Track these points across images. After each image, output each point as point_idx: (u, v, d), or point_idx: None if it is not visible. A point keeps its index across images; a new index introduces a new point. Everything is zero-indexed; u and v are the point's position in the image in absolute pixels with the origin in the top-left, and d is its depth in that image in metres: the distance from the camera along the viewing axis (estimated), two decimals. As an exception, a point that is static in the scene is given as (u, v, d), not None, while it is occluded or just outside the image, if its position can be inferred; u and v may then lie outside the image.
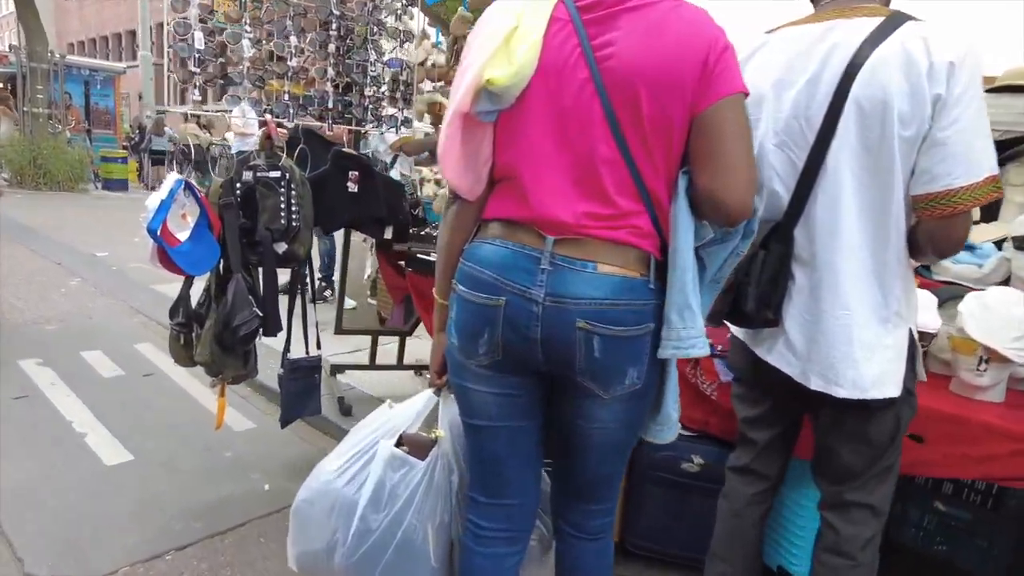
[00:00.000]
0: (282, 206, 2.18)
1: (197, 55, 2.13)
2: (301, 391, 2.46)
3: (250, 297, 2.11)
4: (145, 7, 14.57)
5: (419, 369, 3.28)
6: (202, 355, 2.10)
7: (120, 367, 3.23)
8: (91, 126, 14.15)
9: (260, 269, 2.26)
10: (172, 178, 2.05)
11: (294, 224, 2.20)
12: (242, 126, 4.73)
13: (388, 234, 2.60)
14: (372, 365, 3.10)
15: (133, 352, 3.46)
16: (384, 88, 2.54)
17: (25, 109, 11.20)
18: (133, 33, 23.92)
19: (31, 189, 10.85)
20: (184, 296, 2.15)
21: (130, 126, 17.47)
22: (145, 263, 5.11)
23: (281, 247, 2.20)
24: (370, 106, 2.52)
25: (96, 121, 14.40)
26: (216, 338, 2.10)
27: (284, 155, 2.28)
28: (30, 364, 3.15)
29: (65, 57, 12.55)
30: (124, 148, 15.17)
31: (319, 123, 2.54)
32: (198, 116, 12.35)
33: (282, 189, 2.18)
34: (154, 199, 2.01)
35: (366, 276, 2.67)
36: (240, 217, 2.13)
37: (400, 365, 3.18)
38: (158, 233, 1.94)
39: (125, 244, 6.38)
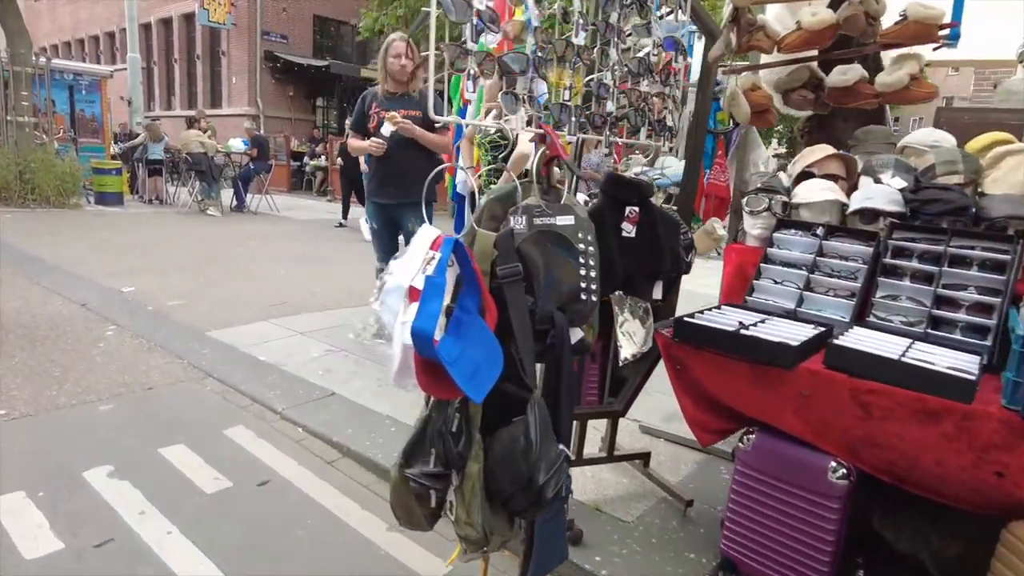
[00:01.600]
0: (580, 272, 1.34)
1: (477, 23, 1.28)
2: (553, 531, 1.62)
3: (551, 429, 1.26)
4: (133, 5, 13.43)
5: (626, 458, 2.45)
6: (470, 528, 1.26)
7: (220, 472, 2.35)
8: (77, 135, 13.02)
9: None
10: (428, 235, 1.19)
11: (593, 299, 1.36)
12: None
13: (657, 292, 1.77)
14: (579, 460, 2.26)
15: (226, 444, 2.58)
16: (656, 80, 1.71)
17: (8, 118, 10.10)
18: (112, 35, 22.59)
19: (18, 206, 9.78)
20: (441, 433, 1.28)
21: (115, 133, 16.29)
22: (181, 299, 4.19)
23: (575, 335, 1.36)
24: (644, 106, 1.68)
25: (82, 129, 13.25)
26: (498, 498, 1.25)
27: (566, 189, 1.43)
28: (99, 476, 2.25)
29: (51, 60, 11.43)
30: (113, 158, 14.07)
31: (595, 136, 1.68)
32: (198, 121, 11.34)
33: (580, 246, 1.34)
34: (405, 271, 1.16)
35: (628, 354, 1.83)
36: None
37: (611, 457, 2.35)
38: (433, 339, 1.08)
39: (148, 274, 5.45)
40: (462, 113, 4.28)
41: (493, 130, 3.48)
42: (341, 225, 9.69)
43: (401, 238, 3.97)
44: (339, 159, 10.09)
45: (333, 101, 18.61)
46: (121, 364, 3.34)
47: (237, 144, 11.38)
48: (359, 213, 9.18)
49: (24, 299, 4.46)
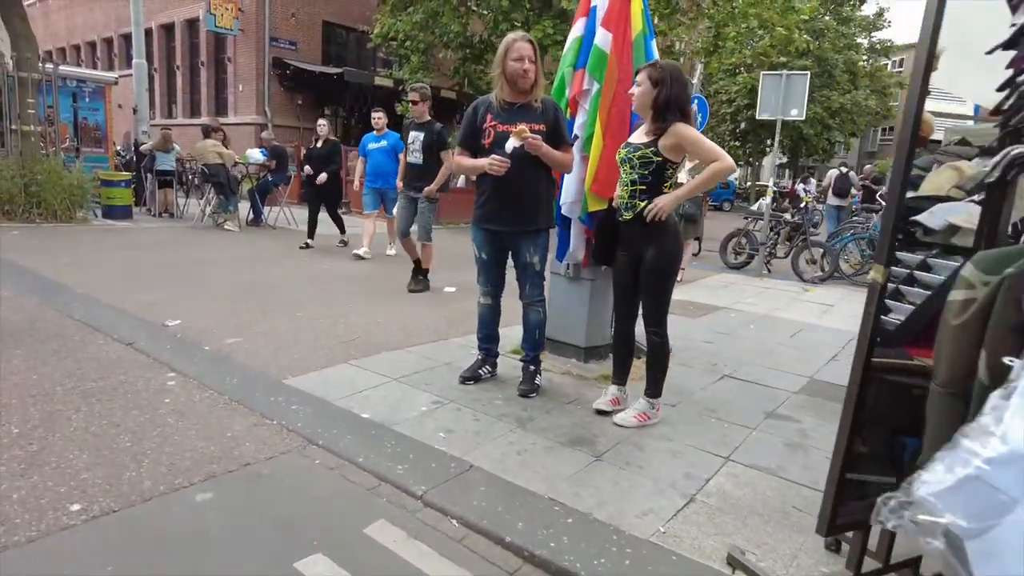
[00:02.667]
0: None
1: None
2: None
3: None
4: (139, 9, 12.82)
5: (898, 567, 1.92)
6: None
7: (386, 597, 1.79)
8: (80, 144, 12.39)
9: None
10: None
11: None
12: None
13: None
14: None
15: (375, 550, 2.01)
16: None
17: (13, 127, 9.45)
18: (109, 41, 21.93)
19: (23, 221, 9.13)
20: None
21: (120, 144, 15.64)
22: (237, 336, 3.59)
23: None
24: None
25: (86, 138, 12.62)
26: None
27: None
28: (233, 614, 1.69)
29: (59, 66, 10.81)
30: (117, 168, 13.43)
31: None
32: (216, 130, 10.74)
33: None
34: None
35: None
36: None
37: (888, 568, 1.81)
38: None
39: (188, 303, 4.87)
40: (569, 124, 3.76)
41: (644, 144, 2.94)
42: (307, 246, 8.30)
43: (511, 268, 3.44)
44: (305, 167, 8.54)
45: (343, 110, 18.06)
46: (200, 428, 2.76)
47: (255, 155, 10.79)
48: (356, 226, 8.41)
49: (61, 337, 3.87)
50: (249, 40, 16.47)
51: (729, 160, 2.77)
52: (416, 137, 5.80)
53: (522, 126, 3.01)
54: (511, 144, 3.03)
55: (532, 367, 3.44)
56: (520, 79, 3.09)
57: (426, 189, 5.79)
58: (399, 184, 6.09)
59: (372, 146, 7.34)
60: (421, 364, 3.78)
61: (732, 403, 3.54)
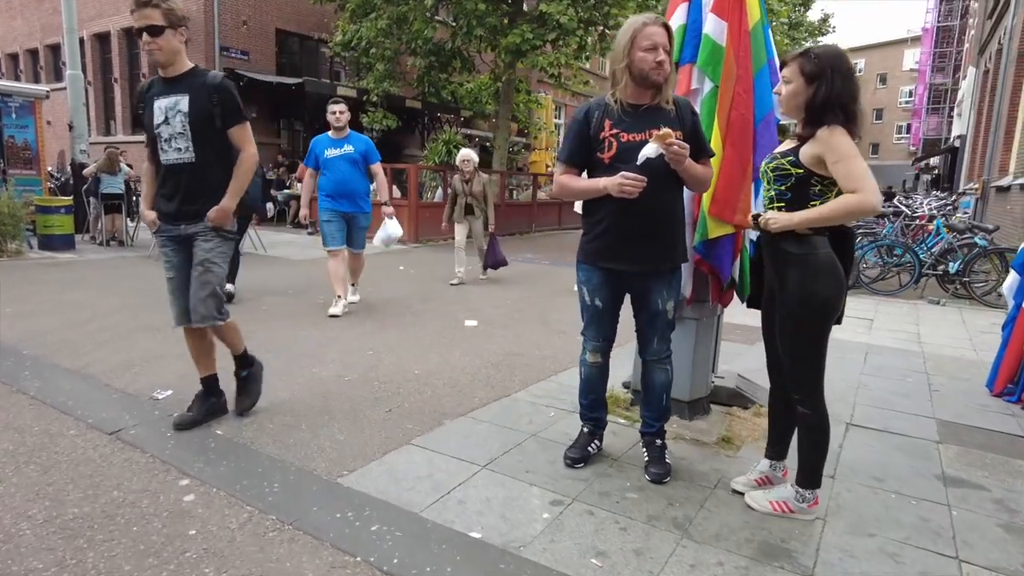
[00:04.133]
0: None
1: None
2: None
3: None
4: (72, 16, 11.44)
5: None
6: None
7: None
8: (7, 166, 10.95)
9: None
10: None
11: None
12: None
13: None
14: None
15: None
16: None
17: (-71, 149, 8.10)
18: (34, 52, 20.03)
19: (-56, 259, 7.81)
20: None
21: (54, 165, 14.07)
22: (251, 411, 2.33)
23: None
24: None
25: (14, 159, 11.17)
26: None
27: None
28: None
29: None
30: (51, 192, 12.02)
31: None
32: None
33: None
34: None
35: None
36: None
37: None
38: None
39: (172, 362, 3.91)
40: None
41: (781, 153, 2.32)
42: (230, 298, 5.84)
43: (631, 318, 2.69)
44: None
45: (300, 123, 16.93)
46: (253, 580, 1.90)
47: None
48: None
49: (16, 429, 2.88)
50: (197, 50, 15.15)
51: (873, 198, 2.03)
52: (172, 107, 2.78)
53: (666, 129, 2.28)
54: (645, 153, 2.29)
55: (659, 441, 2.70)
56: (652, 73, 2.36)
57: (212, 212, 2.84)
58: (148, 216, 2.98)
59: (331, 153, 5.39)
60: (502, 438, 2.98)
61: (890, 467, 2.90)
